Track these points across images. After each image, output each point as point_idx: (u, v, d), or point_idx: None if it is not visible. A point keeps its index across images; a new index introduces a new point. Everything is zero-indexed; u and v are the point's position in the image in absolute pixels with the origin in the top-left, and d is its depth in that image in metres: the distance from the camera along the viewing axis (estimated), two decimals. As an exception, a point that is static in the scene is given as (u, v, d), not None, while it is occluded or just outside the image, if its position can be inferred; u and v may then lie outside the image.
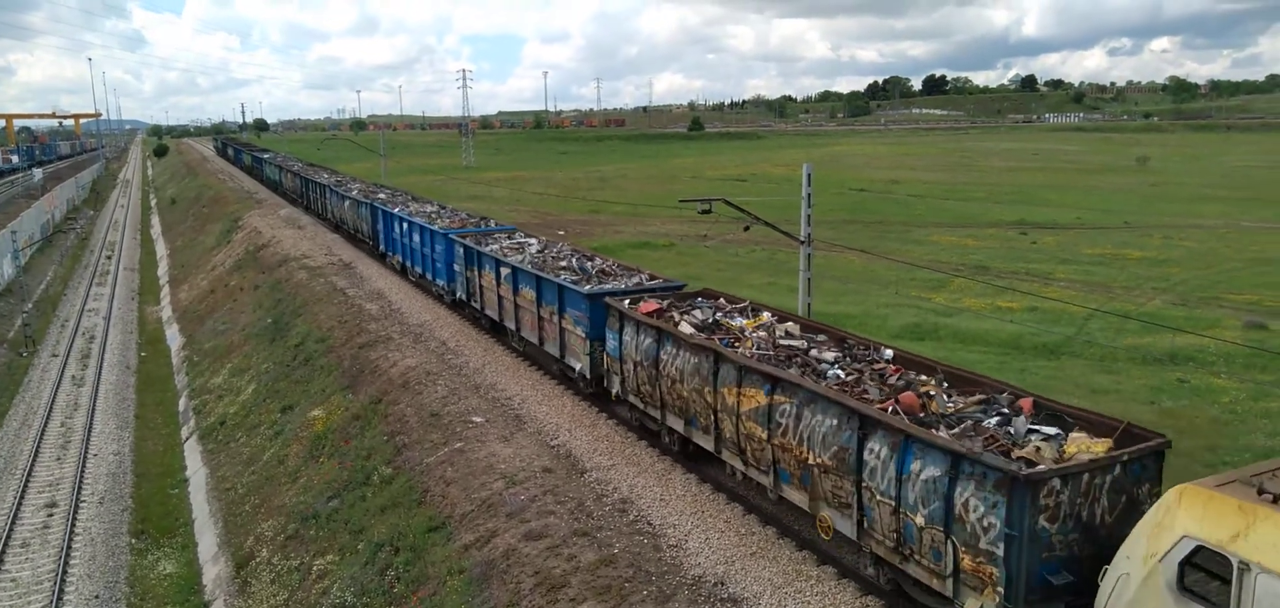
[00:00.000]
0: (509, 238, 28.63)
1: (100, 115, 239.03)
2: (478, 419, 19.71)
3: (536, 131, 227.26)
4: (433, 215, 34.44)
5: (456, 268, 27.79)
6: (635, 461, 17.11)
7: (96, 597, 18.97)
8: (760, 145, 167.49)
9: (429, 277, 31.27)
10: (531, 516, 15.26)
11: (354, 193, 46.13)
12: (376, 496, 18.40)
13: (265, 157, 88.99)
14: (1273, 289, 35.05)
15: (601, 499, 15.63)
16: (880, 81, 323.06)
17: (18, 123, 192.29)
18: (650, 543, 14.09)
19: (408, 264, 34.09)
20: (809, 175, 18.39)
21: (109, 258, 62.86)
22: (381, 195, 43.56)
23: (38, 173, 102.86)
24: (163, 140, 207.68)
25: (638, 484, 16.07)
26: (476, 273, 26.02)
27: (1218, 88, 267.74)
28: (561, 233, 50.34)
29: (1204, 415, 20.87)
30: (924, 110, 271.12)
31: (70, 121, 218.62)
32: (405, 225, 34.04)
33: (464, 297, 27.36)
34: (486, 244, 26.70)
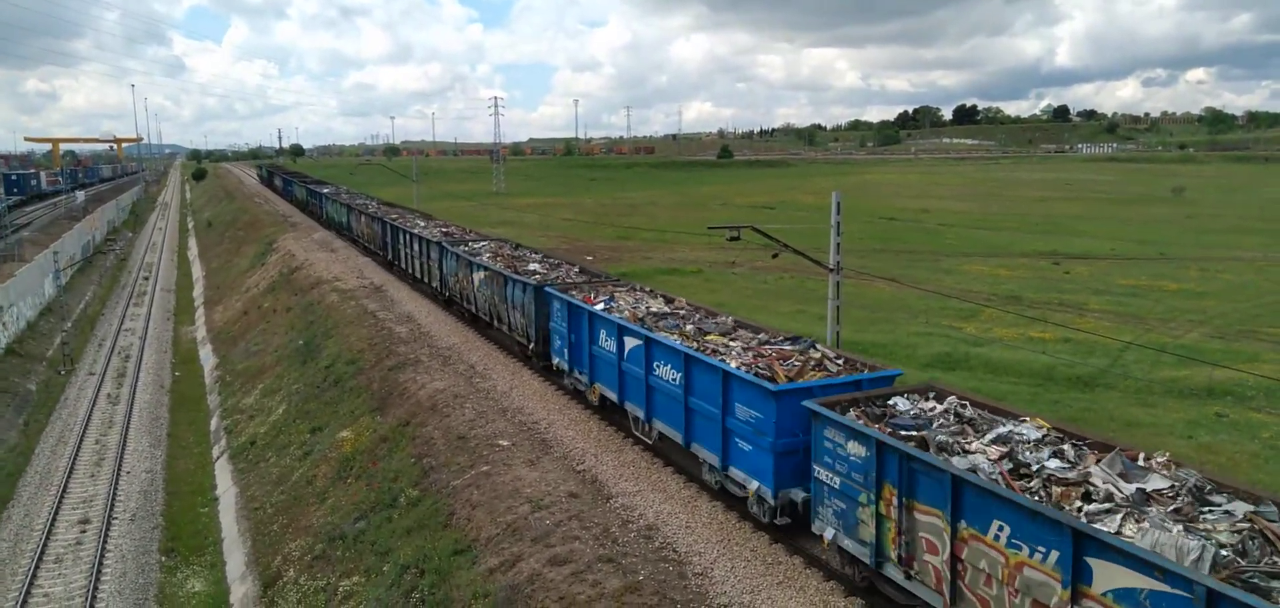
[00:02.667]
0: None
1: (141, 139, 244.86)
2: (504, 443, 19.74)
3: (566, 158, 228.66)
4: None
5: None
6: (661, 487, 17.03)
7: (127, 614, 19.15)
8: (789, 173, 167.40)
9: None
10: (557, 541, 15.22)
11: (485, 257, 29.74)
12: (403, 518, 18.46)
13: (325, 191, 70.82)
14: (1314, 323, 34.32)
15: (627, 525, 15.56)
16: (910, 111, 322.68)
17: (63, 146, 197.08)
18: (676, 570, 14.00)
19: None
20: (838, 203, 18.34)
21: (147, 279, 63.98)
22: (534, 266, 28.35)
23: (80, 195, 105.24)
24: (201, 164, 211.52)
25: (664, 511, 15.98)
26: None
27: (1255, 118, 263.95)
28: (589, 257, 50.53)
29: (1244, 451, 20.42)
30: (954, 139, 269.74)
31: (112, 146, 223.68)
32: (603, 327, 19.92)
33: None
34: None
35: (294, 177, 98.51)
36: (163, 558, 21.84)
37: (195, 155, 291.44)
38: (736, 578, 13.61)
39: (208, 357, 41.34)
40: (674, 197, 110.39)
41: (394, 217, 46.70)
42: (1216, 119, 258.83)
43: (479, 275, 28.63)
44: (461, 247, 32.74)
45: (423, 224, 43.38)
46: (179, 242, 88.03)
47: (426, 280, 35.71)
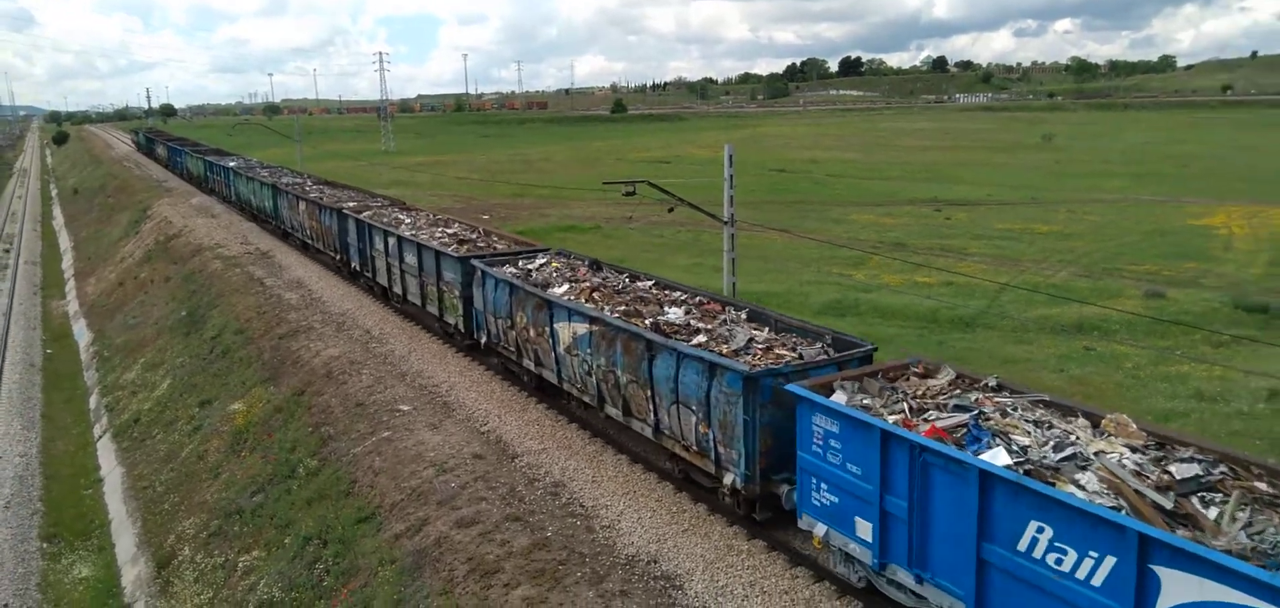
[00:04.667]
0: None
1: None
2: (405, 408, 19.51)
3: (458, 115, 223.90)
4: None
5: None
6: (567, 444, 17.19)
7: (5, 605, 18.20)
8: (682, 127, 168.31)
9: None
10: (463, 502, 15.22)
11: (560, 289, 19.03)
12: (303, 488, 18.08)
13: (231, 164, 57.55)
14: (1169, 260, 36.93)
15: (533, 484, 15.67)
16: (798, 63, 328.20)
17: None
18: (583, 525, 14.21)
19: None
20: (731, 156, 18.66)
21: (7, 251, 59.84)
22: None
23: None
24: (62, 127, 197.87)
25: (569, 467, 16.15)
26: None
27: (1116, 68, 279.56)
28: (485, 216, 49.90)
29: (1109, 381, 21.96)
30: (841, 91, 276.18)
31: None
32: None
33: None
34: None
35: (183, 145, 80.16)
36: (44, 544, 20.81)
37: (55, 117, 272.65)
38: (643, 528, 13.92)
39: (82, 332, 39.15)
40: (568, 152, 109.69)
41: (355, 207, 33.02)
42: (1082, 68, 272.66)
43: (577, 327, 16.83)
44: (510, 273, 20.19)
45: (409, 220, 29.79)
46: (42, 210, 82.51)
47: (436, 314, 23.84)
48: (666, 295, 17.80)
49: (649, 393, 14.73)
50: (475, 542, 14.07)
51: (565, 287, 18.68)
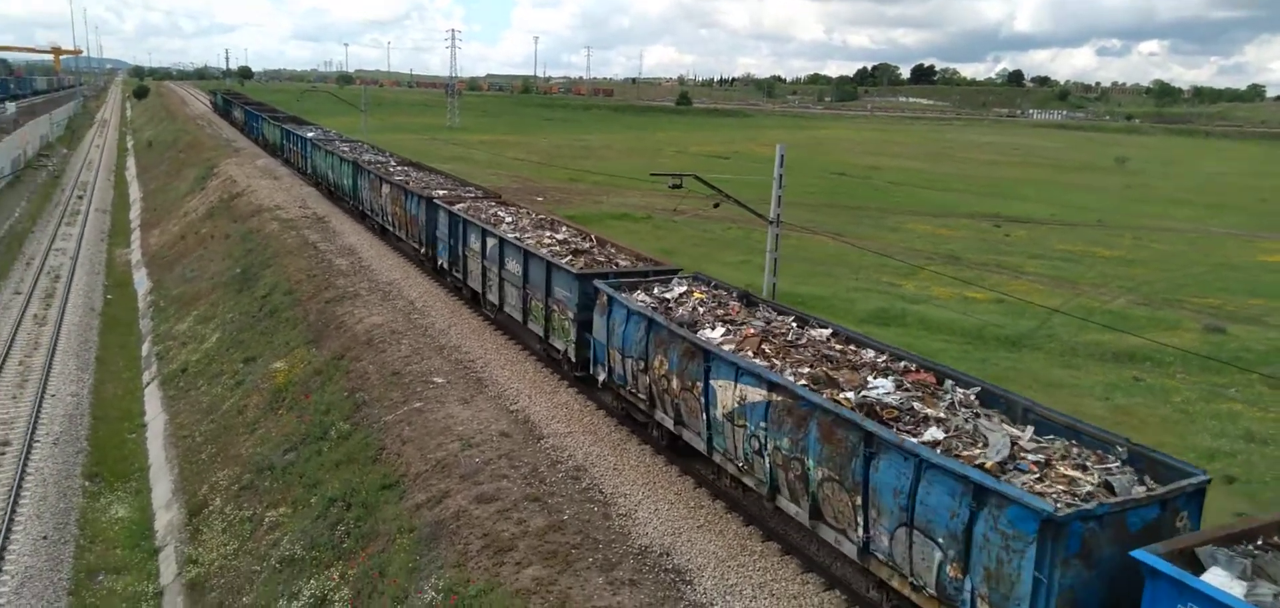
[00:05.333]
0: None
1: (81, 52, 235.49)
2: (439, 380, 19.71)
3: (524, 96, 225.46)
4: None
5: None
6: (593, 429, 17.19)
7: (45, 538, 18.86)
8: (746, 124, 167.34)
9: None
10: (485, 479, 15.32)
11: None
12: (333, 451, 18.39)
13: (309, 134, 53.29)
14: (1235, 295, 35.58)
15: (556, 466, 15.71)
16: (869, 68, 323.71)
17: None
18: (600, 511, 14.20)
19: None
20: (782, 156, 18.44)
21: (81, 198, 61.99)
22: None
23: (10, 106, 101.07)
24: (144, 82, 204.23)
25: (593, 453, 16.16)
26: None
27: (1200, 94, 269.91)
28: (539, 198, 50.20)
29: (1155, 414, 21.23)
30: (911, 99, 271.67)
31: (49, 56, 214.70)
32: None
33: None
34: None
35: (261, 111, 76.08)
36: (86, 483, 21.49)
37: (138, 72, 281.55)
38: (659, 520, 13.85)
39: (142, 281, 40.37)
40: (630, 141, 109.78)
41: (448, 197, 28.70)
42: (1163, 92, 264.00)
43: (747, 391, 13.45)
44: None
45: (511, 218, 25.75)
46: (117, 161, 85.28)
47: (539, 334, 20.49)
48: (857, 355, 14.01)
49: (859, 501, 11.02)
50: (493, 518, 14.15)
51: (721, 331, 14.93)
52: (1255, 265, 43.12)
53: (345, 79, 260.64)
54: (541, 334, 20.11)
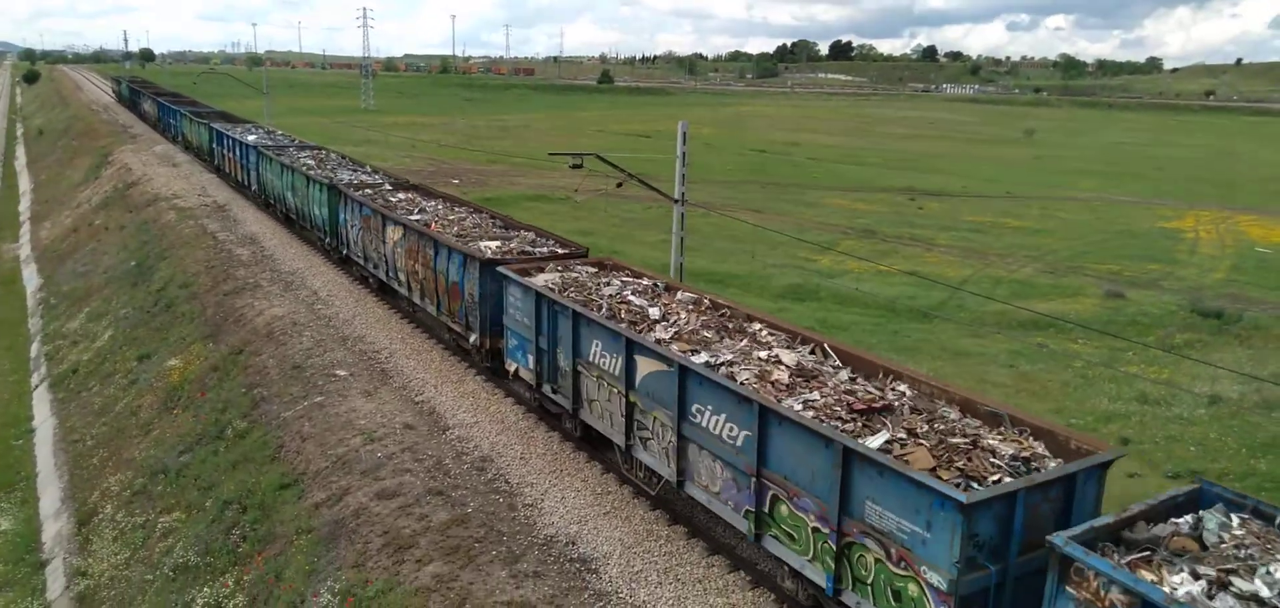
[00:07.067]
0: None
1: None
2: (341, 372, 19.04)
3: (442, 76, 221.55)
4: None
5: None
6: (500, 418, 16.80)
7: (-82, 556, 17.68)
8: (668, 102, 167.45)
9: None
10: (387, 474, 14.82)
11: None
12: (229, 450, 17.62)
13: (250, 138, 39.36)
14: (1134, 261, 36.94)
15: (460, 457, 15.30)
16: (789, 45, 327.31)
17: None
18: (505, 502, 13.86)
19: None
20: (684, 134, 18.25)
21: (-36, 191, 58.54)
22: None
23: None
24: (34, 66, 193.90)
25: (499, 442, 15.78)
26: None
27: (1104, 67, 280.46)
28: (455, 181, 49.24)
29: (1057, 380, 21.82)
30: (830, 75, 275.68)
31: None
32: None
33: None
34: None
35: (178, 103, 61.27)
36: (-35, 495, 20.23)
37: (28, 56, 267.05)
38: (565, 508, 13.59)
39: (32, 277, 38.29)
40: (550, 121, 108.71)
41: (520, 265, 17.06)
42: (1069, 65, 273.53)
43: None
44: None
45: (616, 287, 16.29)
46: (4, 150, 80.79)
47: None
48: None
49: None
50: (394, 514, 13.69)
51: None
52: (1153, 232, 44.87)
53: (254, 61, 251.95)
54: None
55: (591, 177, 25.16)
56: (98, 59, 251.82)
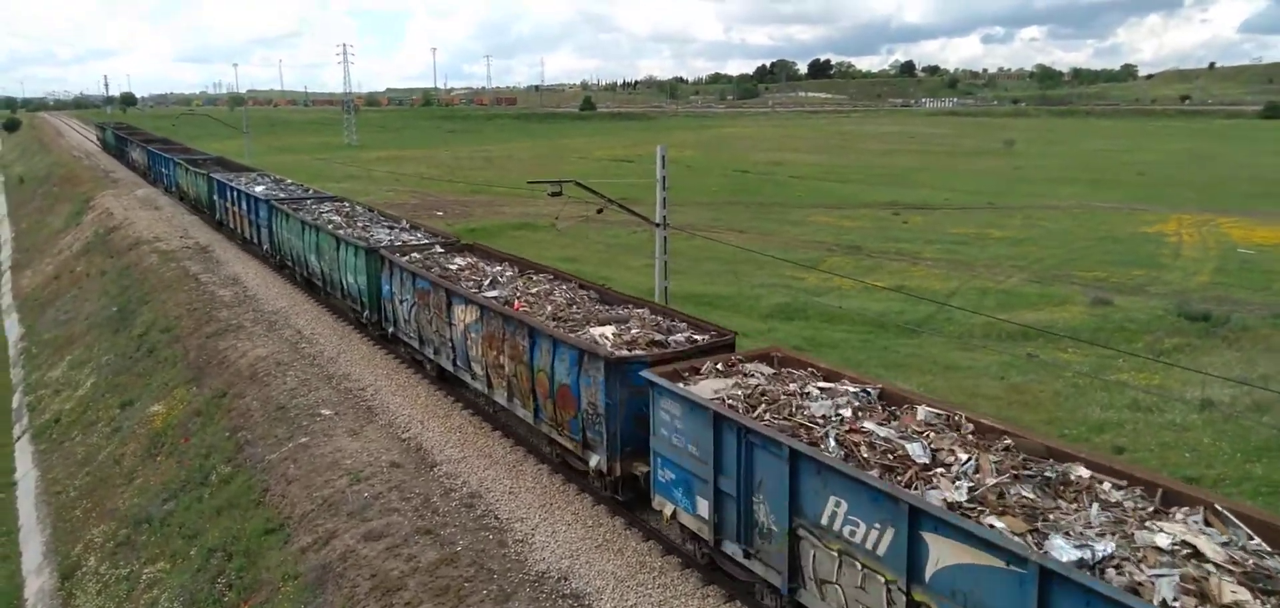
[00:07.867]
0: None
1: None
2: (326, 412, 18.79)
3: (425, 109, 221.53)
4: None
5: None
6: (487, 452, 16.57)
7: (-105, 618, 17.28)
8: (650, 127, 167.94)
9: None
10: (374, 514, 14.57)
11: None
12: (214, 497, 17.33)
13: (257, 189, 35.40)
14: (1119, 267, 37.03)
15: (449, 494, 15.06)
16: (768, 65, 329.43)
17: None
18: (495, 539, 13.63)
19: None
20: (663, 157, 18.18)
21: (-57, 242, 58.01)
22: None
23: None
24: (15, 114, 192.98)
25: (487, 478, 15.55)
26: None
27: (1079, 76, 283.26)
28: (439, 213, 49.09)
29: (1049, 390, 21.73)
30: (809, 93, 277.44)
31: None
32: None
33: None
34: None
35: (169, 151, 56.36)
36: (-56, 553, 19.83)
37: (9, 104, 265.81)
38: (557, 543, 13.36)
39: (13, 327, 37.88)
40: (533, 150, 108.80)
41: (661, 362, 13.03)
42: (1045, 75, 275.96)
43: None
44: None
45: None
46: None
47: None
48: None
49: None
50: (382, 556, 13.44)
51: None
52: (1136, 237, 45.06)
53: (237, 100, 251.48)
54: None
55: (573, 203, 25.05)
56: (79, 105, 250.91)
